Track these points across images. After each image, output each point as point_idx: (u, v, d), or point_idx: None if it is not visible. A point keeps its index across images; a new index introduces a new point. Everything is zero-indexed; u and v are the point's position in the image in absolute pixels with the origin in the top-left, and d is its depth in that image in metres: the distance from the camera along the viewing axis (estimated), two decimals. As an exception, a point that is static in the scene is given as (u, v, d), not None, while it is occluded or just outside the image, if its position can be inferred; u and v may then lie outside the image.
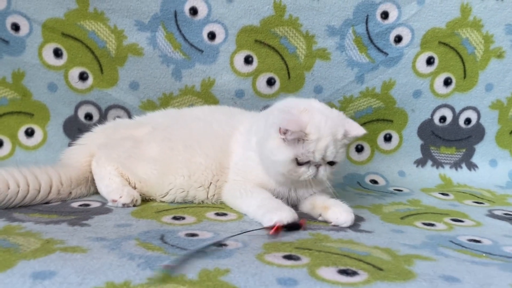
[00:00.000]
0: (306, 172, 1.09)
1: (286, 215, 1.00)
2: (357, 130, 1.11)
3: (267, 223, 0.99)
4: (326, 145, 1.06)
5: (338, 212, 1.08)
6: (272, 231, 0.95)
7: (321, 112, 1.10)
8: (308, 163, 1.08)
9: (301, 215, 1.17)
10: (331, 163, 1.11)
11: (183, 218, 1.07)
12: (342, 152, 1.10)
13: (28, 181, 1.10)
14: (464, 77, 1.66)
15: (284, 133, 1.05)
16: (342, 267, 0.78)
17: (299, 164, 1.08)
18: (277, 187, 1.16)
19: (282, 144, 1.07)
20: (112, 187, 1.19)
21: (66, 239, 0.86)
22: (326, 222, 1.10)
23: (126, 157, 1.23)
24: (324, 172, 1.10)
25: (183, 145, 1.23)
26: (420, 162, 1.73)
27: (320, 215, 1.12)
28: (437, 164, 1.73)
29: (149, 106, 1.59)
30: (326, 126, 1.06)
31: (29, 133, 1.58)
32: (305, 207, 1.18)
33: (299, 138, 1.05)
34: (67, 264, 0.72)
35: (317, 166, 1.09)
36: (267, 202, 1.08)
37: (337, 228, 1.07)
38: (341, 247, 0.90)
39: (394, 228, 1.10)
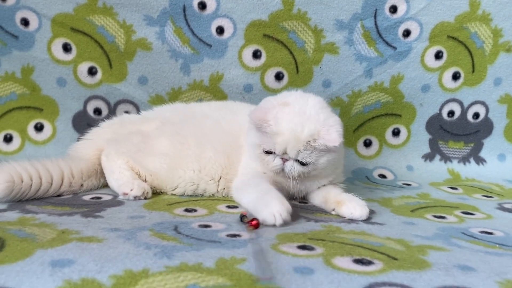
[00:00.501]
0: (272, 162, 1.10)
1: (279, 209, 0.96)
2: (329, 140, 1.05)
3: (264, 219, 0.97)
4: (284, 140, 1.06)
5: (352, 207, 1.08)
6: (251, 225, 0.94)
7: (300, 110, 1.09)
8: (274, 153, 1.10)
9: (312, 208, 1.18)
10: (302, 163, 1.08)
11: (195, 210, 1.08)
12: (310, 154, 1.07)
13: (40, 174, 1.11)
14: (473, 71, 1.66)
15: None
16: (357, 257, 0.79)
17: (266, 152, 1.10)
18: (282, 179, 1.16)
19: (254, 129, 1.12)
20: (123, 180, 1.19)
21: (81, 230, 0.86)
22: (339, 215, 1.10)
23: (135, 151, 1.24)
24: (291, 168, 1.09)
25: (194, 140, 1.23)
26: (428, 157, 1.73)
27: (333, 210, 1.12)
28: (445, 158, 1.73)
29: (158, 100, 1.59)
30: (288, 123, 1.06)
31: (39, 128, 1.59)
32: (317, 200, 1.19)
33: (262, 127, 1.08)
34: (85, 253, 0.73)
35: (284, 160, 1.10)
36: (262, 196, 1.04)
37: (349, 220, 1.07)
38: (354, 238, 0.91)
39: (405, 220, 1.10)
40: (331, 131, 1.06)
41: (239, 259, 0.74)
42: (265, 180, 1.13)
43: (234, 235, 0.88)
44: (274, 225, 0.95)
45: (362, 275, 0.71)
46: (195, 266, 0.70)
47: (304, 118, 1.07)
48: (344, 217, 1.08)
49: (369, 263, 0.76)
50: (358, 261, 0.77)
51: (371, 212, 1.13)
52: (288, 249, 0.81)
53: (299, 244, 0.84)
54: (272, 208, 0.97)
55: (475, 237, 0.98)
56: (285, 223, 0.96)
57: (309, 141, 1.06)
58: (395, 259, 0.79)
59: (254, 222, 0.94)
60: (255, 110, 1.10)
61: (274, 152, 1.09)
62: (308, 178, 1.15)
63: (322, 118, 1.09)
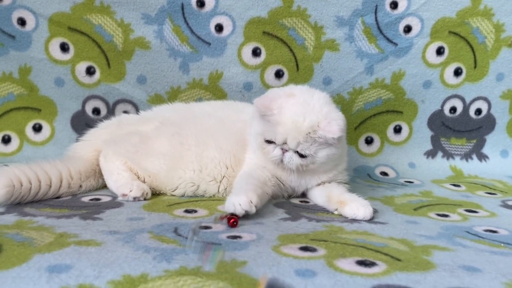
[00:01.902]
0: (272, 152, 1.11)
1: (239, 200, 0.97)
2: (329, 131, 1.05)
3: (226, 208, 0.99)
4: (285, 130, 1.07)
5: (356, 208, 1.06)
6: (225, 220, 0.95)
7: (304, 101, 1.10)
8: (274, 143, 1.11)
9: (315, 207, 1.16)
10: (301, 155, 1.09)
11: (195, 211, 1.06)
12: (310, 146, 1.08)
13: (39, 177, 1.09)
14: (475, 67, 1.64)
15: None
16: (360, 258, 0.77)
17: (267, 141, 1.11)
18: (282, 173, 1.16)
19: (257, 117, 1.13)
20: (121, 182, 1.18)
21: (79, 233, 0.85)
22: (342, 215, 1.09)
23: (134, 151, 1.22)
24: (289, 159, 1.10)
25: (195, 140, 1.22)
26: (431, 154, 1.71)
27: (336, 210, 1.11)
28: (448, 155, 1.71)
29: (157, 100, 1.58)
30: (291, 113, 1.07)
31: (37, 128, 1.58)
32: (320, 199, 1.17)
33: (266, 115, 1.09)
34: (83, 257, 0.71)
35: (284, 151, 1.11)
36: (239, 188, 1.07)
37: (351, 219, 1.05)
38: (356, 239, 0.89)
39: (408, 219, 1.09)
40: (332, 124, 1.07)
41: (239, 262, 0.73)
42: (256, 176, 1.14)
43: (235, 237, 0.87)
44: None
45: (365, 277, 0.70)
46: (195, 270, 0.68)
47: (307, 110, 1.08)
48: (347, 217, 1.07)
49: (372, 264, 0.75)
50: (361, 263, 0.76)
51: (374, 211, 1.12)
52: (289, 251, 0.80)
53: (301, 245, 0.83)
54: (234, 199, 0.98)
55: (479, 236, 0.97)
56: (247, 213, 0.98)
57: (309, 133, 1.07)
58: (399, 260, 0.78)
59: (231, 221, 0.94)
60: (260, 98, 1.12)
61: (274, 142, 1.10)
62: (307, 172, 1.15)
63: (325, 111, 1.10)
